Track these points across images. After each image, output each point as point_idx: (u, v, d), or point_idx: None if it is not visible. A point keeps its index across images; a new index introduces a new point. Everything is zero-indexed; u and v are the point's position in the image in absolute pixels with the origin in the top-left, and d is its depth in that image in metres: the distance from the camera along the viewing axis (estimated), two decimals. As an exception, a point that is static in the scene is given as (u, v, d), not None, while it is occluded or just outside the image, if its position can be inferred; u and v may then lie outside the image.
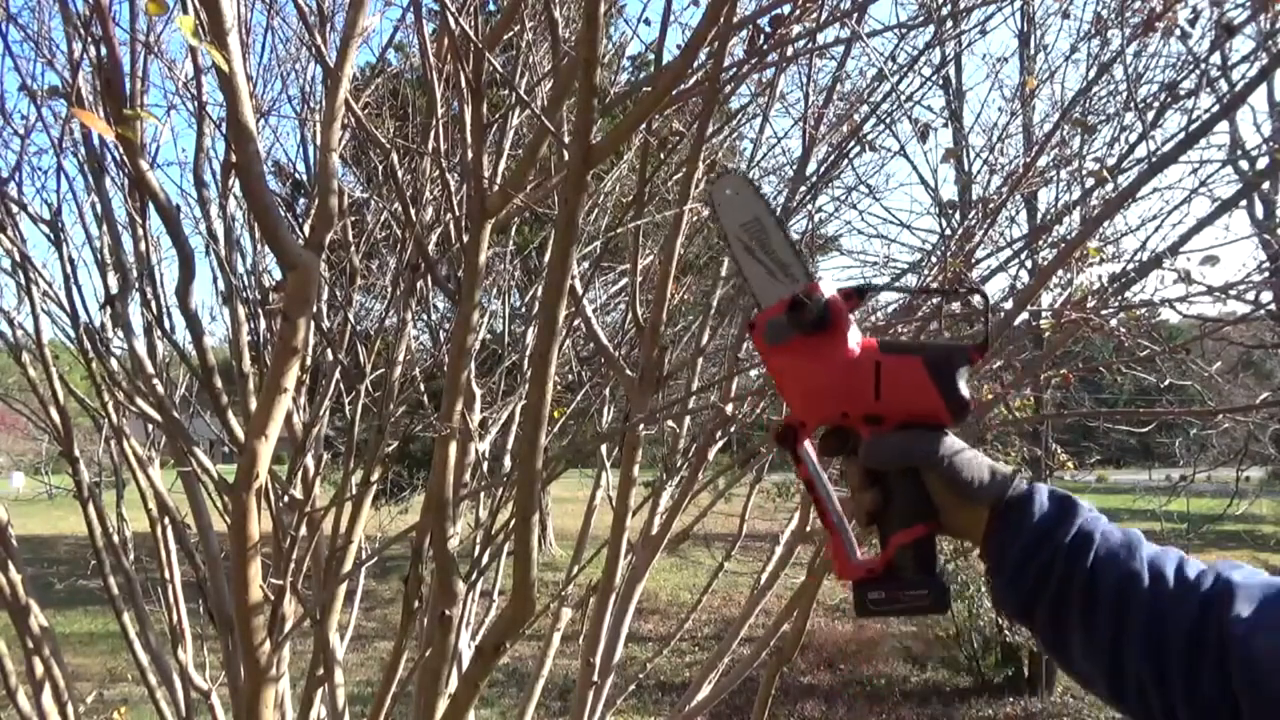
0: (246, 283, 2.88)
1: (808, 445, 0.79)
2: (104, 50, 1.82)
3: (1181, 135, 1.73)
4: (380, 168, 3.15)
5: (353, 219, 3.21)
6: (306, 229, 3.03)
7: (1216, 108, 1.84)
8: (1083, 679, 0.68)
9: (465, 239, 1.83)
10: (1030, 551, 0.68)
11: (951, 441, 0.72)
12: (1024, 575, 0.68)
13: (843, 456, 0.77)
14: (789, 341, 0.76)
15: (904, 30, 2.25)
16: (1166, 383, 2.52)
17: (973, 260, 2.20)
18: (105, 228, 2.71)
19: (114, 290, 2.69)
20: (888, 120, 2.72)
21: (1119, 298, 1.80)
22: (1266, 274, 1.92)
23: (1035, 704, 7.84)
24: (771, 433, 0.81)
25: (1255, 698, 0.55)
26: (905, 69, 2.35)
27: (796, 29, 1.72)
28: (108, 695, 5.91)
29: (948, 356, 0.73)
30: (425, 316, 4.46)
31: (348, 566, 2.62)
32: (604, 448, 3.35)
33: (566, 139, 1.22)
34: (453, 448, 1.80)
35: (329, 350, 2.78)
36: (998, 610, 0.74)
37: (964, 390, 0.72)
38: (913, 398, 0.73)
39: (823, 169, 2.61)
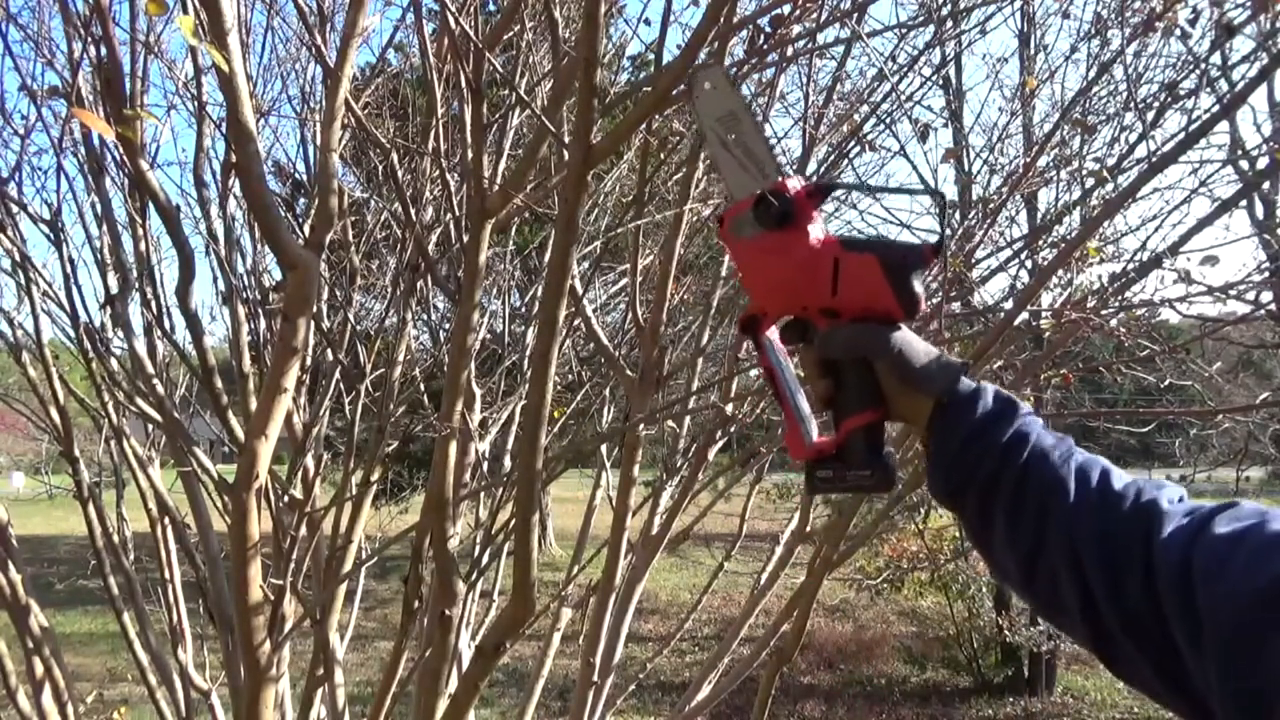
0: (246, 283, 2.88)
1: (770, 334, 0.83)
2: (104, 50, 1.82)
3: (1181, 135, 1.73)
4: (380, 168, 3.16)
5: (353, 219, 3.21)
6: (306, 229, 3.03)
7: (1216, 108, 1.84)
8: (997, 566, 0.72)
9: (465, 239, 1.83)
10: (967, 445, 0.71)
11: (902, 335, 0.76)
12: (958, 467, 0.72)
13: (801, 345, 0.81)
14: (755, 236, 0.79)
15: (904, 30, 2.24)
16: (1166, 383, 2.52)
17: (973, 260, 2.20)
18: (105, 228, 2.72)
19: (114, 290, 2.69)
20: (888, 120, 2.72)
21: (1119, 298, 1.80)
22: (1266, 274, 1.92)
23: (1035, 704, 7.85)
24: (737, 321, 0.85)
25: (1185, 612, 0.58)
26: (905, 69, 2.34)
27: (796, 29, 1.72)
28: (108, 695, 5.91)
29: (903, 256, 0.76)
30: (425, 316, 4.46)
31: (348, 566, 2.62)
32: (604, 448, 3.35)
33: (566, 139, 1.22)
34: (453, 448, 1.80)
35: (329, 350, 2.78)
36: (932, 493, 0.77)
37: (917, 288, 0.76)
38: (868, 294, 0.76)
39: (823, 169, 2.60)
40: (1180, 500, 0.65)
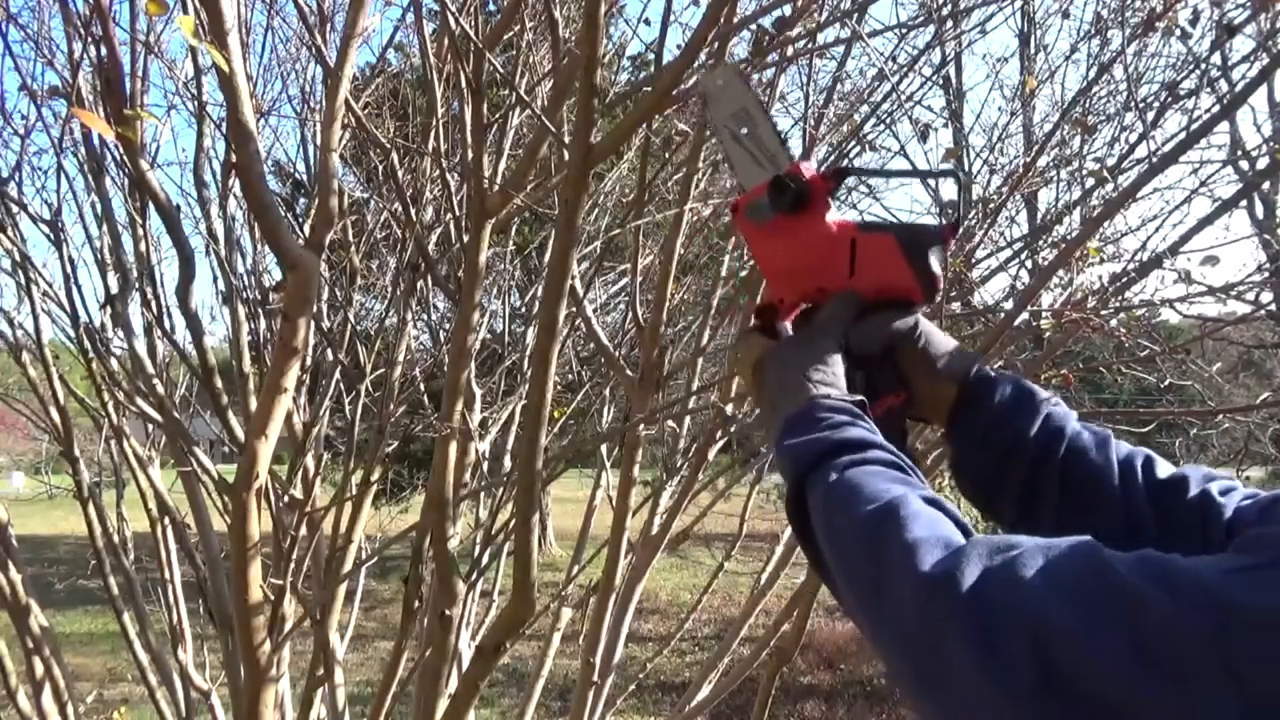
0: (246, 283, 2.88)
1: (786, 324, 0.81)
2: (104, 50, 1.82)
3: (1181, 135, 1.73)
4: (380, 168, 3.16)
5: (353, 219, 3.21)
6: (306, 229, 3.03)
7: (1216, 108, 1.84)
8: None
9: (465, 239, 1.83)
10: (991, 434, 0.70)
11: (925, 323, 0.75)
12: (984, 457, 0.71)
13: None
14: (770, 221, 0.78)
15: (904, 30, 2.24)
16: (1166, 383, 2.51)
17: (973, 260, 2.20)
18: (105, 228, 2.72)
19: (114, 290, 2.69)
20: (888, 120, 2.72)
21: (1119, 298, 1.80)
22: (1266, 274, 1.92)
23: (1035, 704, 7.84)
24: (754, 312, 0.83)
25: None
26: (905, 69, 2.34)
27: (797, 29, 1.72)
28: (108, 695, 5.91)
29: (920, 235, 0.75)
30: (425, 316, 4.46)
31: (348, 566, 2.62)
32: (604, 448, 3.35)
33: (566, 139, 1.22)
34: (453, 448, 1.80)
35: (329, 350, 2.78)
36: (957, 483, 0.76)
37: (935, 267, 0.74)
38: (886, 274, 0.74)
39: (823, 169, 2.60)
40: (1236, 489, 0.63)
